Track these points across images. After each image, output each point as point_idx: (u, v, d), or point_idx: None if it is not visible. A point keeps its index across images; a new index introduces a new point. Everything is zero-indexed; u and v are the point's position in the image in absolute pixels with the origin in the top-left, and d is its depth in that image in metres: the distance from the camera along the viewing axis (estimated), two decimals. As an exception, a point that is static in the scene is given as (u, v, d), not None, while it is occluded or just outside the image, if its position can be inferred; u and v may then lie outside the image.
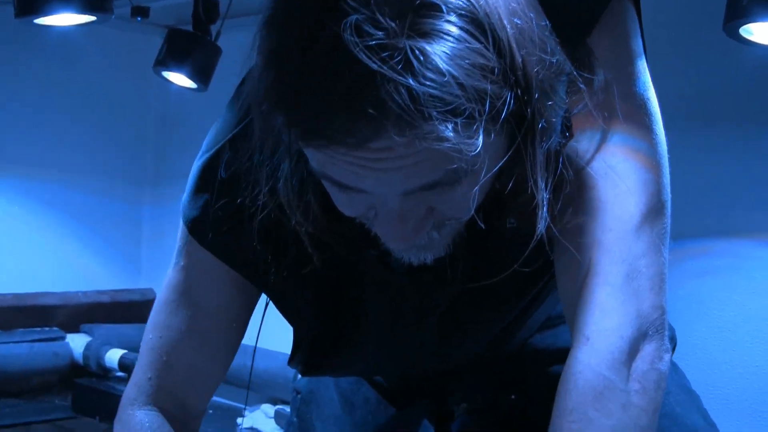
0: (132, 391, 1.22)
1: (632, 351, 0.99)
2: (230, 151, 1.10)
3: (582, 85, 0.95)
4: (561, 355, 1.51)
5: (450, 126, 0.79)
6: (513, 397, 1.77)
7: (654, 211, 1.03)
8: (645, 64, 1.09)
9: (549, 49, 0.88)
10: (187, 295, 1.18)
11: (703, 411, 1.50)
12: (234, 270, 1.16)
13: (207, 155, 1.12)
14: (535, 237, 0.94)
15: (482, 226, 0.98)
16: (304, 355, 1.30)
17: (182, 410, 1.23)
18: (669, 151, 1.06)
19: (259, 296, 1.24)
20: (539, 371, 1.56)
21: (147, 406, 1.20)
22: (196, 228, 1.14)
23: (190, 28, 2.94)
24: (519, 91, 0.84)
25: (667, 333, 1.03)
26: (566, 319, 1.08)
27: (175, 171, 3.96)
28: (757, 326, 2.24)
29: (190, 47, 2.87)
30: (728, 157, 2.33)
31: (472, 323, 1.30)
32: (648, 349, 1.00)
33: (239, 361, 2.76)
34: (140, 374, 1.22)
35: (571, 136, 1.01)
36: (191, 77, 2.90)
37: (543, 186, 0.92)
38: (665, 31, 2.22)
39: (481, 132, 0.81)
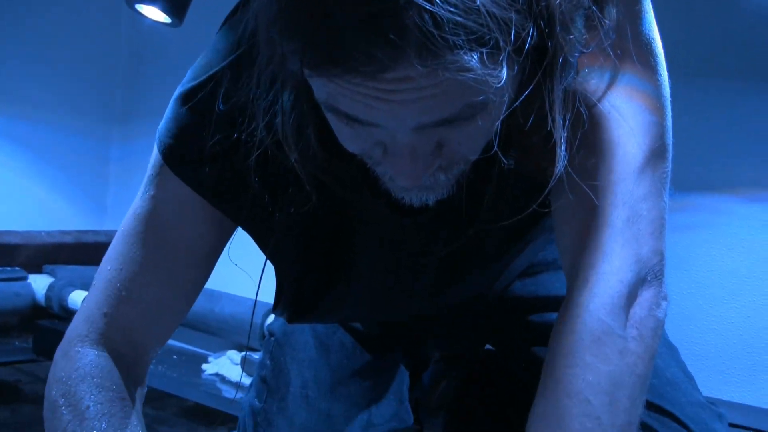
0: (83, 326, 1.14)
1: (631, 296, 0.98)
2: (221, 81, 1.04)
3: (599, 22, 0.92)
4: (541, 303, 1.52)
5: (475, 56, 0.74)
6: (487, 347, 1.77)
7: (657, 154, 1.02)
8: (650, 3, 1.06)
9: None
10: (155, 227, 1.12)
11: (681, 364, 1.51)
12: (210, 204, 1.11)
13: (193, 83, 1.06)
14: (554, 176, 0.91)
15: (504, 161, 0.94)
16: (289, 301, 1.26)
17: (133, 352, 1.16)
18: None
19: (231, 234, 1.18)
20: (517, 319, 1.55)
21: (97, 345, 1.13)
22: (171, 156, 1.08)
23: (164, -40, 2.85)
24: (542, 23, 0.79)
25: (665, 280, 1.02)
26: (562, 261, 1.06)
27: (144, 108, 3.90)
28: (734, 282, 2.25)
29: (165, -19, 2.79)
30: (711, 110, 2.33)
31: (468, 268, 1.28)
32: (646, 295, 0.99)
33: (205, 306, 2.74)
34: (94, 308, 1.14)
35: (577, 73, 0.99)
36: (165, 11, 2.82)
37: (561, 123, 0.88)
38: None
39: (505, 64, 0.77)
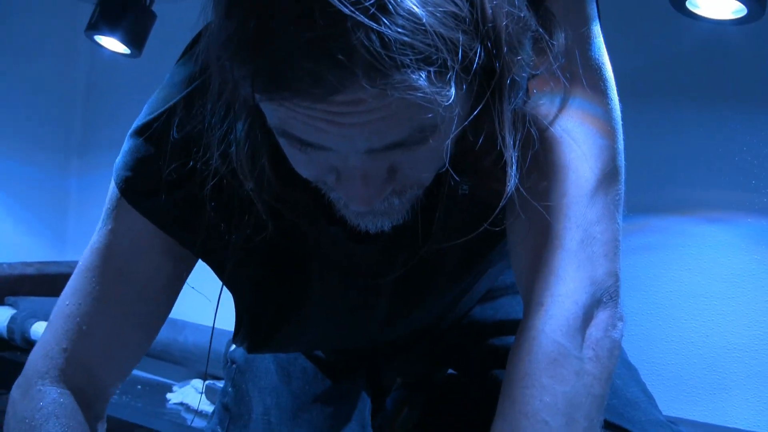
0: (42, 362, 1.13)
1: (586, 317, 0.98)
2: (176, 112, 1.04)
3: (547, 45, 0.94)
4: (500, 327, 1.53)
5: (423, 75, 0.76)
6: (450, 371, 1.77)
7: (609, 176, 1.03)
8: (599, 28, 1.08)
9: (516, 3, 0.86)
10: (113, 261, 1.11)
11: (641, 384, 1.52)
12: (168, 235, 1.10)
13: (149, 117, 1.07)
14: (505, 196, 0.92)
15: (457, 183, 0.96)
16: (248, 331, 1.26)
17: (93, 388, 1.15)
18: (605, 126, 1.06)
19: (191, 268, 1.18)
20: (478, 343, 1.56)
21: (58, 383, 1.12)
22: (128, 188, 1.08)
23: (123, -9, 2.85)
24: (489, 44, 0.81)
25: (621, 301, 1.03)
26: (518, 285, 1.07)
27: (103, 140, 3.88)
28: (691, 302, 2.27)
29: (124, 11, 2.78)
30: (664, 133, 2.35)
31: (425, 292, 1.29)
32: (602, 316, 1.00)
33: (169, 335, 2.73)
34: (53, 344, 1.13)
35: (528, 97, 1.00)
36: (124, 42, 2.82)
37: (511, 143, 0.89)
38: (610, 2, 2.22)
39: (453, 83, 0.78)
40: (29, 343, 3.04)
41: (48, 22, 3.81)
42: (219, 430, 1.54)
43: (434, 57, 0.76)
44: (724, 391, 2.19)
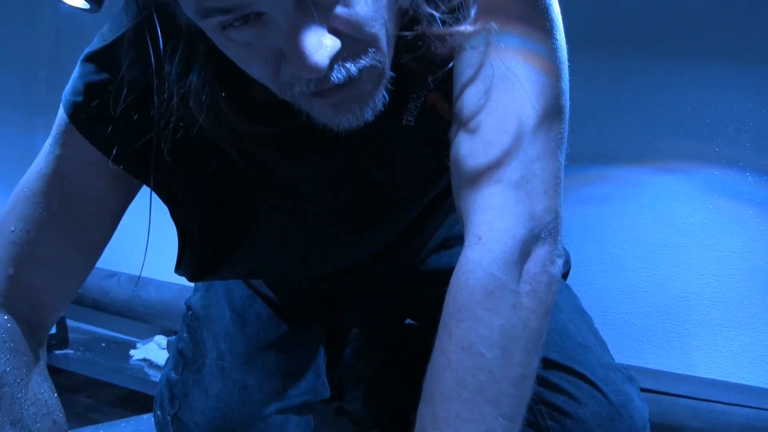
0: None
1: (524, 252, 0.99)
2: (127, 42, 1.05)
3: None
4: (455, 274, 1.53)
5: None
6: (408, 322, 1.78)
7: (551, 115, 1.03)
8: None
9: None
10: (61, 188, 1.11)
11: (594, 330, 1.54)
12: (114, 163, 1.09)
13: (100, 44, 1.08)
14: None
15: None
16: (191, 258, 1.26)
17: (37, 314, 1.15)
18: (563, 76, 1.06)
19: (137, 191, 1.18)
20: (433, 292, 1.55)
21: (3, 308, 1.12)
22: (77, 114, 1.09)
23: (81, -56, 2.81)
24: None
25: (560, 238, 1.03)
26: (459, 218, 1.07)
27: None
28: (646, 252, 2.29)
29: (82, -36, 2.75)
30: (624, 83, 2.36)
31: (368, 220, 1.29)
32: (540, 252, 1.00)
33: (132, 292, 2.72)
34: None
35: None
36: (82, -4, 2.79)
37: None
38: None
39: None
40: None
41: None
42: (173, 375, 1.55)
43: None
44: (677, 340, 2.21)
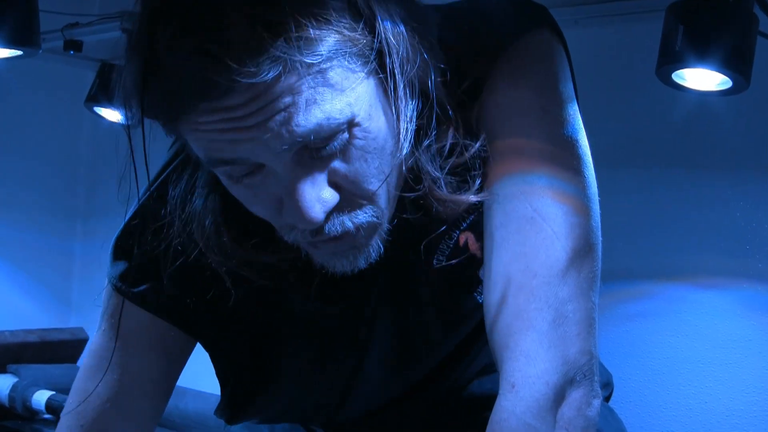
0: None
1: (558, 397, 0.97)
2: (148, 209, 1.12)
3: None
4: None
5: (285, 43, 0.81)
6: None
7: (581, 254, 1.02)
8: (576, 108, 1.09)
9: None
10: (106, 361, 1.15)
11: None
12: (162, 319, 1.14)
13: (127, 221, 1.16)
14: (400, 158, 0.97)
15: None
16: (226, 403, 1.26)
17: None
18: (601, 194, 1.06)
19: (185, 359, 1.21)
20: (473, 416, 1.54)
21: None
22: (119, 283, 1.14)
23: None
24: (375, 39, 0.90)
25: (597, 378, 1.02)
26: (495, 363, 1.06)
27: (107, 206, 3.89)
28: (689, 369, 2.25)
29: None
30: (660, 200, 2.35)
31: (393, 361, 1.27)
32: (575, 396, 0.99)
33: (170, 402, 2.70)
34: None
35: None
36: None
37: (408, 115, 0.95)
38: (597, 73, 2.23)
39: (327, 51, 0.84)
40: (31, 412, 3.03)
41: (52, 91, 3.84)
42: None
43: (300, 30, 0.82)
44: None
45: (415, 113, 0.96)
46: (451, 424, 1.60)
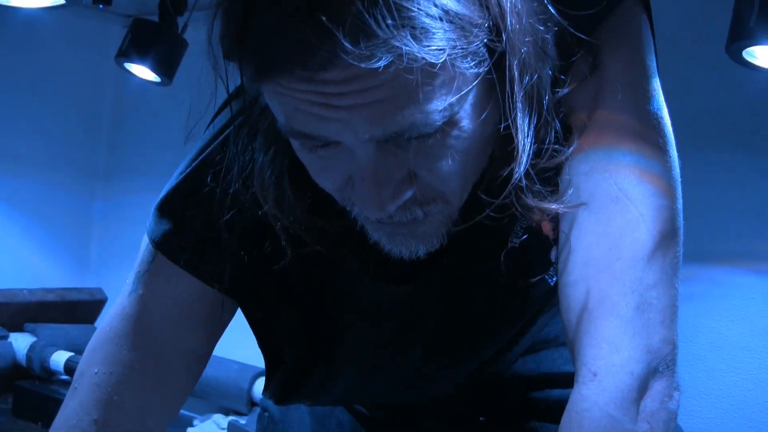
0: None
1: (641, 389, 0.93)
2: (202, 169, 1.05)
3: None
4: (542, 380, 1.48)
5: (406, 32, 0.75)
6: (481, 419, 1.73)
7: (667, 238, 0.98)
8: (659, 83, 1.04)
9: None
10: (145, 329, 1.08)
11: (681, 439, 1.48)
12: (212, 287, 1.07)
13: (179, 177, 1.08)
14: (512, 181, 0.91)
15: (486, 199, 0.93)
16: (276, 383, 1.23)
17: None
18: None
19: (224, 328, 1.15)
20: (518, 396, 1.52)
21: None
22: (166, 245, 1.07)
23: (154, 18, 2.84)
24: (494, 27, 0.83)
25: (677, 369, 0.99)
26: (568, 346, 1.03)
27: (128, 166, 3.87)
28: (734, 354, 2.22)
29: (155, 39, 2.76)
30: (711, 182, 2.30)
31: (460, 348, 1.24)
32: (658, 387, 0.95)
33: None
34: (82, 415, 1.08)
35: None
36: (155, 70, 2.80)
37: (525, 130, 0.90)
38: (666, 49, 2.19)
39: (446, 47, 0.78)
40: (48, 373, 3.01)
41: (78, 46, 3.80)
42: (250, 482, 1.51)
43: (419, 18, 0.76)
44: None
45: (532, 130, 0.91)
46: (494, 405, 1.59)
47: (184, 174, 1.08)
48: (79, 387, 1.10)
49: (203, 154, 1.07)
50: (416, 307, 1.15)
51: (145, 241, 1.10)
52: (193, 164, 1.07)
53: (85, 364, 1.10)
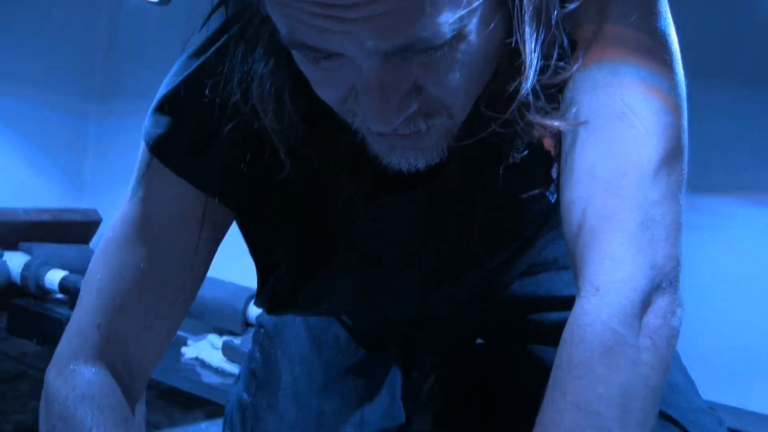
0: (75, 340, 1.08)
1: (644, 304, 0.93)
2: (204, 72, 1.03)
3: None
4: (540, 303, 1.49)
5: None
6: (478, 341, 1.74)
7: (673, 156, 0.97)
8: (667, 5, 1.02)
9: None
10: (147, 230, 1.07)
11: (682, 368, 1.49)
12: (203, 191, 1.06)
13: (173, 85, 1.06)
14: (518, 97, 0.90)
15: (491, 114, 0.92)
16: (270, 292, 1.22)
17: (129, 367, 1.10)
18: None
19: (227, 228, 1.14)
20: (515, 318, 1.52)
21: (93, 361, 1.06)
22: (160, 148, 1.05)
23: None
24: None
25: (680, 286, 0.98)
26: (571, 264, 1.02)
27: (124, 87, 3.84)
28: (735, 285, 2.22)
29: (155, -43, 2.73)
30: (714, 112, 2.26)
31: (459, 262, 1.24)
32: (661, 303, 0.94)
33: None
34: (86, 320, 1.08)
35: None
36: (153, -11, 2.77)
37: (533, 45, 0.88)
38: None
39: None
40: (43, 291, 3.02)
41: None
42: (245, 396, 1.51)
43: None
44: (761, 378, 2.15)
45: (539, 45, 0.89)
46: (490, 324, 1.59)
47: (182, 77, 1.05)
48: (83, 295, 1.10)
49: (202, 58, 1.05)
50: (415, 220, 1.14)
51: (142, 145, 1.08)
52: (192, 67, 1.05)
53: (89, 273, 1.10)
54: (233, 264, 2.51)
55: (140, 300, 1.08)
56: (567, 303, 0.99)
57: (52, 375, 1.07)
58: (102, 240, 1.11)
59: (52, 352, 1.09)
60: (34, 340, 2.87)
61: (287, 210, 1.12)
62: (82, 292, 1.10)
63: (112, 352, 1.08)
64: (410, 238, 1.17)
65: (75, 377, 1.05)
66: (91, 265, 1.11)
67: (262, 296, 1.23)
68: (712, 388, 1.70)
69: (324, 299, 1.27)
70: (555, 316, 1.45)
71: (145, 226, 1.07)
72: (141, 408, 1.13)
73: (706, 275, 2.21)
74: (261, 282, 1.22)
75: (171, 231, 1.08)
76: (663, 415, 1.35)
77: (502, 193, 1.12)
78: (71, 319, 1.11)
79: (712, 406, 1.46)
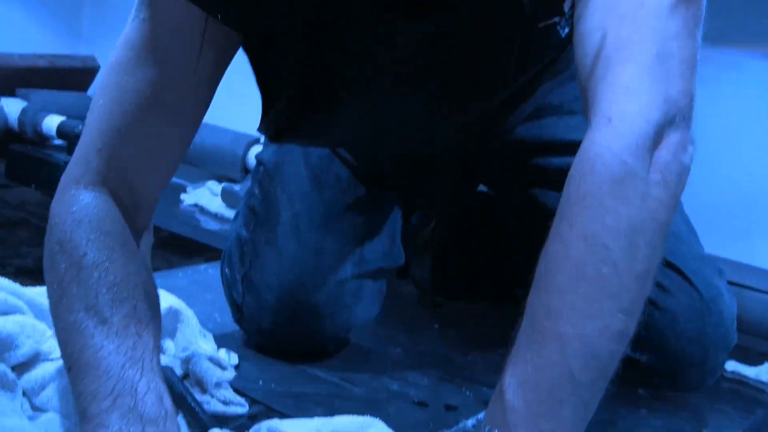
0: (77, 167, 1.06)
1: (657, 138, 0.92)
2: None
3: None
4: (545, 147, 1.48)
5: None
6: (481, 188, 1.74)
7: None
8: None
9: None
10: (151, 51, 1.03)
11: (685, 217, 1.50)
12: (208, 13, 1.03)
13: None
14: None
15: None
16: (276, 117, 1.20)
17: (132, 194, 1.07)
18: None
19: (230, 59, 1.11)
20: (519, 162, 1.52)
21: (94, 186, 1.04)
22: None
23: None
24: None
25: (693, 123, 0.96)
26: (581, 95, 1.00)
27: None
28: (738, 139, 2.19)
29: None
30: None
31: (468, 90, 1.22)
32: (673, 138, 0.93)
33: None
34: (88, 145, 1.06)
35: None
36: None
37: None
38: None
39: None
40: (41, 137, 2.99)
41: None
42: (244, 232, 1.50)
43: None
44: (763, 232, 2.14)
45: None
46: (490, 165, 1.59)
47: None
48: (87, 121, 1.08)
49: None
50: (428, 46, 1.12)
51: None
52: None
53: (93, 100, 1.07)
54: (234, 111, 2.49)
55: (141, 123, 1.05)
56: (571, 148, 0.98)
57: (53, 201, 1.06)
58: (106, 66, 1.08)
59: (51, 198, 1.07)
60: (33, 185, 2.86)
61: (293, 31, 1.10)
62: (86, 120, 1.08)
63: (113, 177, 1.05)
64: (417, 59, 1.15)
65: (74, 201, 1.03)
66: (96, 93, 1.08)
67: (265, 122, 1.22)
68: (713, 242, 1.71)
69: (328, 126, 1.25)
70: (558, 161, 1.45)
71: (147, 48, 1.03)
72: (148, 239, 1.12)
73: (710, 128, 2.17)
74: (265, 107, 1.20)
75: (173, 52, 1.05)
76: (664, 262, 1.36)
77: (511, 22, 1.11)
78: (76, 147, 1.09)
79: (714, 259, 1.47)
